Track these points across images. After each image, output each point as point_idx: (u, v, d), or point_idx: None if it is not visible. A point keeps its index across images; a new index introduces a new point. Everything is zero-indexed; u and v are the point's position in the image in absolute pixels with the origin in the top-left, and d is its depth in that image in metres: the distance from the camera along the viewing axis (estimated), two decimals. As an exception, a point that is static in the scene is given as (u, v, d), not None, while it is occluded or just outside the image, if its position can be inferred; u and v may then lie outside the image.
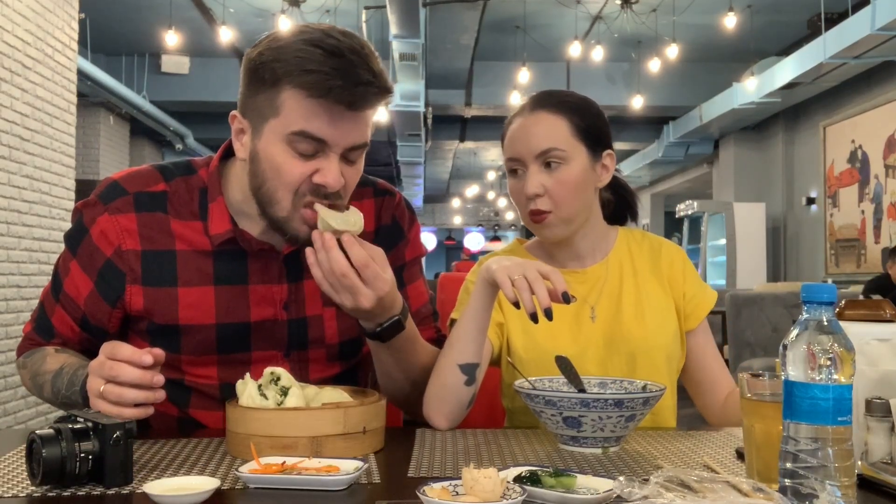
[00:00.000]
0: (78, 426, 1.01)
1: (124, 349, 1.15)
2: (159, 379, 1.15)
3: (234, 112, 1.30)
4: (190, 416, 1.42)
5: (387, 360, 1.37)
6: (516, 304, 1.25)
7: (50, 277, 1.46)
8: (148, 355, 1.14)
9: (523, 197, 1.50)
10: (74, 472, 0.99)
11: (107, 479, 1.00)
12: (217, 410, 1.39)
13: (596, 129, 1.52)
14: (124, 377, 1.14)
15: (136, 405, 1.15)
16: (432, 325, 1.54)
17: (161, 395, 1.16)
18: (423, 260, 1.58)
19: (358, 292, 1.21)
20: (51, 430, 1.00)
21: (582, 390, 1.32)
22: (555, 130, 1.48)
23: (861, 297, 1.35)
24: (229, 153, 1.39)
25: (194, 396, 1.41)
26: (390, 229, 1.49)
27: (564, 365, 1.34)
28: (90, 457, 1.00)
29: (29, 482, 1.01)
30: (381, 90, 1.23)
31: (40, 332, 1.43)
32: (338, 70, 1.19)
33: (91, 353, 1.30)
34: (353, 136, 1.25)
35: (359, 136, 1.26)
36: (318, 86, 1.19)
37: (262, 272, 1.38)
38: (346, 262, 1.20)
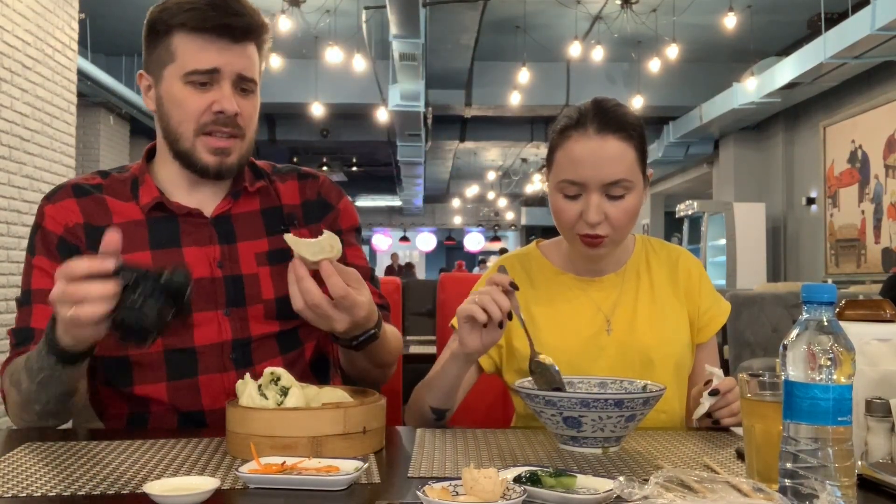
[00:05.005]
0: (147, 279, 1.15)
1: (80, 265, 1.14)
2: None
3: (140, 72, 1.48)
4: (135, 393, 1.44)
5: (356, 357, 1.45)
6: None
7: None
8: (108, 261, 1.15)
9: (576, 219, 1.45)
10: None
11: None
12: (160, 382, 1.43)
13: (647, 151, 1.50)
14: (94, 295, 1.14)
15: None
16: (373, 289, 1.56)
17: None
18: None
19: (332, 319, 1.29)
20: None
21: (558, 388, 1.31)
22: (625, 160, 1.44)
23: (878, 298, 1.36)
24: (151, 155, 1.54)
25: (136, 371, 1.43)
26: (317, 203, 1.58)
27: (542, 369, 1.34)
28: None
29: (29, 481, 1.01)
30: (254, 22, 1.42)
31: (21, 345, 1.42)
32: (212, 5, 1.39)
33: None
34: (238, 63, 1.41)
35: (245, 66, 1.42)
36: (197, 19, 1.38)
37: (193, 236, 1.47)
38: (318, 293, 1.27)
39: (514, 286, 1.32)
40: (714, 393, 1.35)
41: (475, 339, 1.32)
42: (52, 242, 1.46)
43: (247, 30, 1.41)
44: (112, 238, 1.18)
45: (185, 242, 1.47)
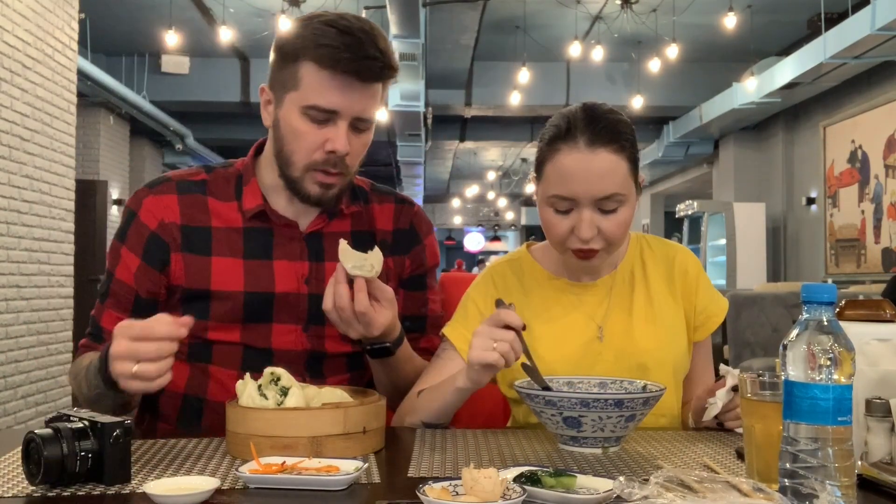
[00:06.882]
0: (77, 426, 1.02)
1: (160, 327, 1.18)
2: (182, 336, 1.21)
3: (262, 85, 1.49)
4: (209, 372, 1.49)
5: (376, 368, 1.49)
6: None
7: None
8: (183, 328, 1.19)
9: (567, 234, 1.41)
10: (74, 470, 0.99)
11: (106, 478, 1.00)
12: (233, 370, 1.47)
13: (639, 158, 1.45)
14: (165, 352, 1.17)
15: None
16: (431, 338, 1.61)
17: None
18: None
19: (349, 327, 1.36)
20: (50, 430, 1.00)
21: (547, 388, 1.30)
22: (617, 173, 1.38)
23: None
24: (260, 150, 1.56)
25: (216, 352, 1.48)
26: (408, 233, 1.61)
27: (529, 370, 1.32)
28: (90, 455, 1.00)
29: (28, 482, 1.01)
30: (386, 65, 1.40)
31: (94, 339, 1.49)
32: (347, 45, 1.36)
33: None
34: (359, 105, 1.40)
35: (366, 108, 1.42)
36: (329, 58, 1.37)
37: (285, 249, 1.51)
38: (347, 300, 1.32)
39: (524, 327, 1.28)
40: (735, 389, 1.32)
41: (487, 377, 1.31)
42: (144, 236, 1.49)
43: (377, 74, 1.40)
44: (186, 321, 1.20)
45: (276, 255, 1.50)
